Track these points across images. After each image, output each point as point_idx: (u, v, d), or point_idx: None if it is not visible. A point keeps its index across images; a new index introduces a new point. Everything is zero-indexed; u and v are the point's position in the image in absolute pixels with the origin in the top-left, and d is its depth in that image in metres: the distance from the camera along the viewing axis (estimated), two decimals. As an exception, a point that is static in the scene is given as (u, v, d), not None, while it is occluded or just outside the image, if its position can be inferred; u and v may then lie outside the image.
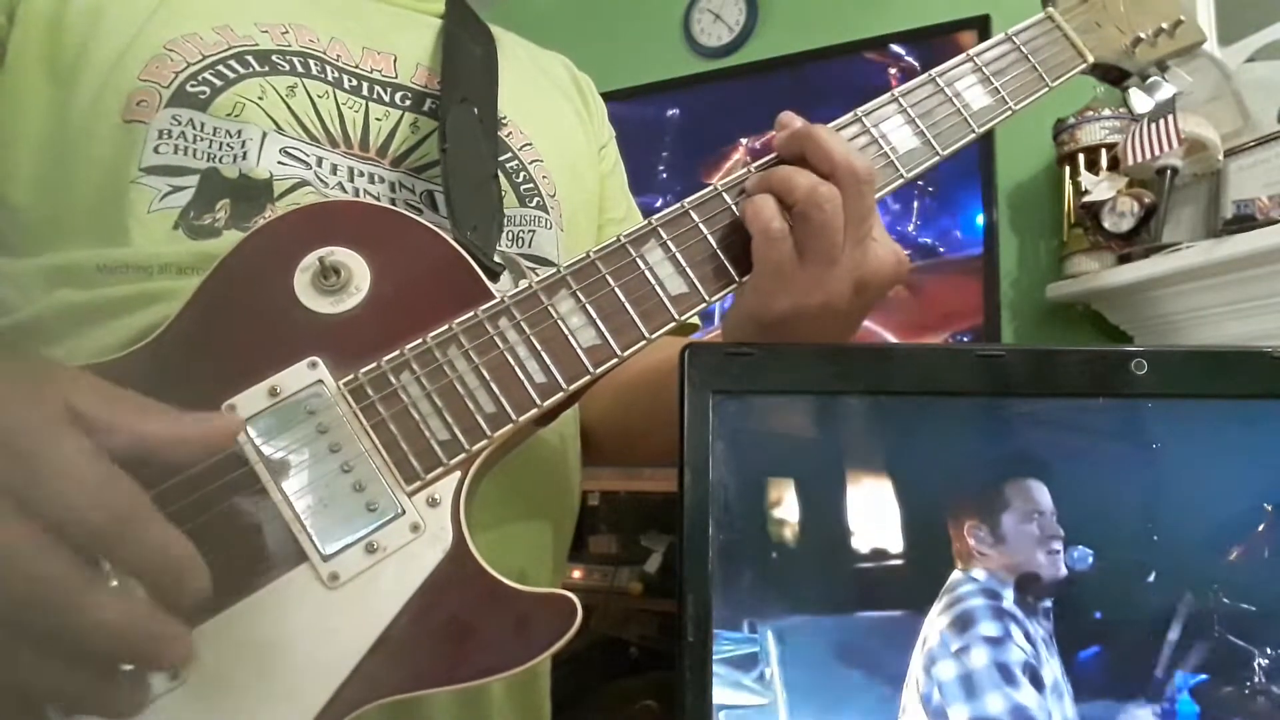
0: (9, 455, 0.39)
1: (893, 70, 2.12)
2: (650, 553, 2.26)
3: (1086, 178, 1.79)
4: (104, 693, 0.42)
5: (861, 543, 0.47)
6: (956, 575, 0.46)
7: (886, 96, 0.65)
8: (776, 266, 0.58)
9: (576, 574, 2.20)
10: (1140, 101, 0.73)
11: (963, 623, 0.46)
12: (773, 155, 0.62)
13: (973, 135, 0.66)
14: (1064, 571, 0.46)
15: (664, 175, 2.36)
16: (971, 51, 0.67)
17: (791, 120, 0.61)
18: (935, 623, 0.46)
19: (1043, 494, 0.47)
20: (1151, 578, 0.46)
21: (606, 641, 2.15)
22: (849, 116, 0.64)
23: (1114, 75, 0.73)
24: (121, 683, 0.43)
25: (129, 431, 0.43)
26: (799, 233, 0.58)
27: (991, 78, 0.67)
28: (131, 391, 0.46)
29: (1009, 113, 0.67)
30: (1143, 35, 0.72)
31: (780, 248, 0.57)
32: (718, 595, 0.45)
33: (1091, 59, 0.70)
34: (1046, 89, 0.68)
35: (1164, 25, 0.72)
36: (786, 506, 0.48)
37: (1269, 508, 0.46)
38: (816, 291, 0.58)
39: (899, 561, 0.47)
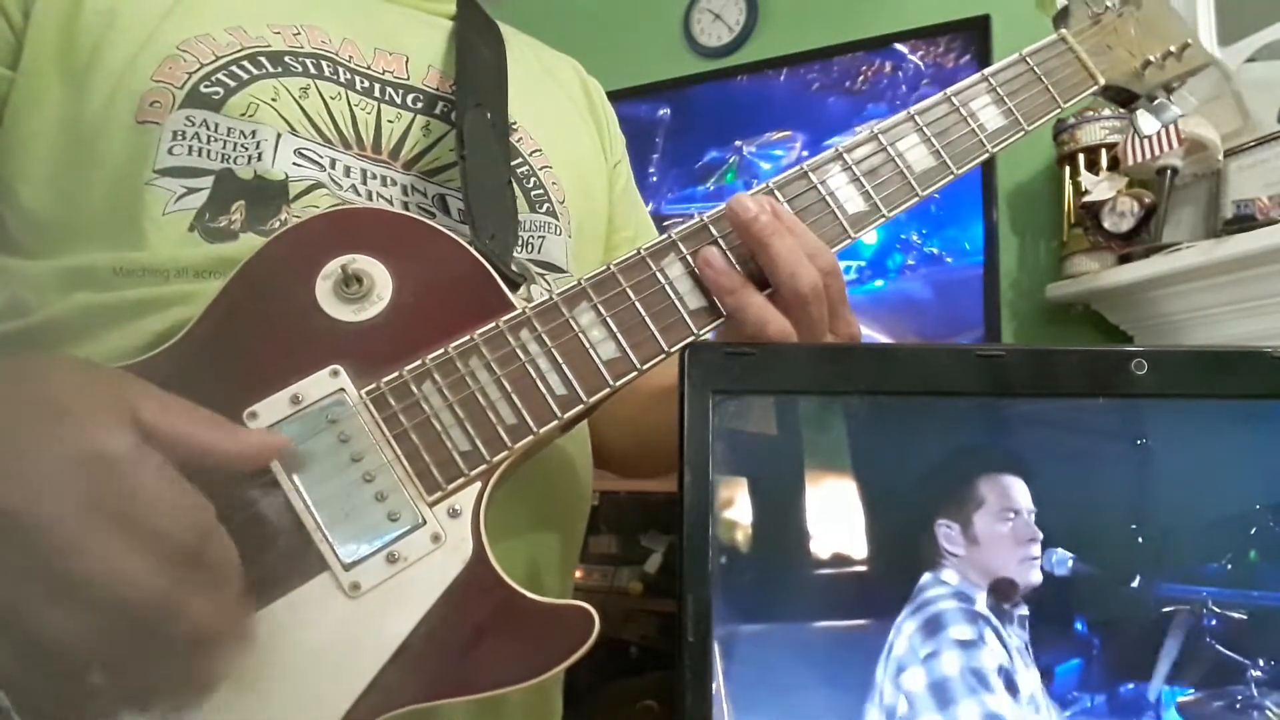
0: (99, 475, 0.43)
1: (891, 67, 2.12)
2: (650, 553, 2.26)
3: (1086, 178, 1.79)
4: (190, 678, 0.48)
5: (849, 546, 0.47)
6: (927, 578, 0.46)
7: (903, 114, 0.66)
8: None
9: (577, 574, 2.19)
10: (1147, 124, 0.74)
11: (933, 626, 0.45)
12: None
13: (986, 155, 0.67)
14: (1039, 579, 0.45)
15: (665, 175, 2.36)
16: (986, 71, 0.68)
17: (745, 218, 0.59)
18: (904, 628, 0.45)
19: (1019, 492, 0.46)
20: (1136, 582, 0.46)
21: (606, 641, 2.14)
22: (865, 134, 0.65)
23: (1123, 97, 0.74)
24: (202, 669, 0.48)
25: (189, 442, 0.47)
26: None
27: (1005, 98, 0.68)
28: (185, 400, 0.49)
29: (1022, 133, 0.68)
30: (1152, 58, 0.72)
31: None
32: (718, 595, 0.45)
33: (1103, 81, 0.71)
34: (1059, 110, 0.69)
35: (1172, 49, 0.73)
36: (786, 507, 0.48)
37: (1260, 508, 0.46)
38: None
39: (874, 565, 0.46)
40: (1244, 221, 1.49)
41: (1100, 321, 1.87)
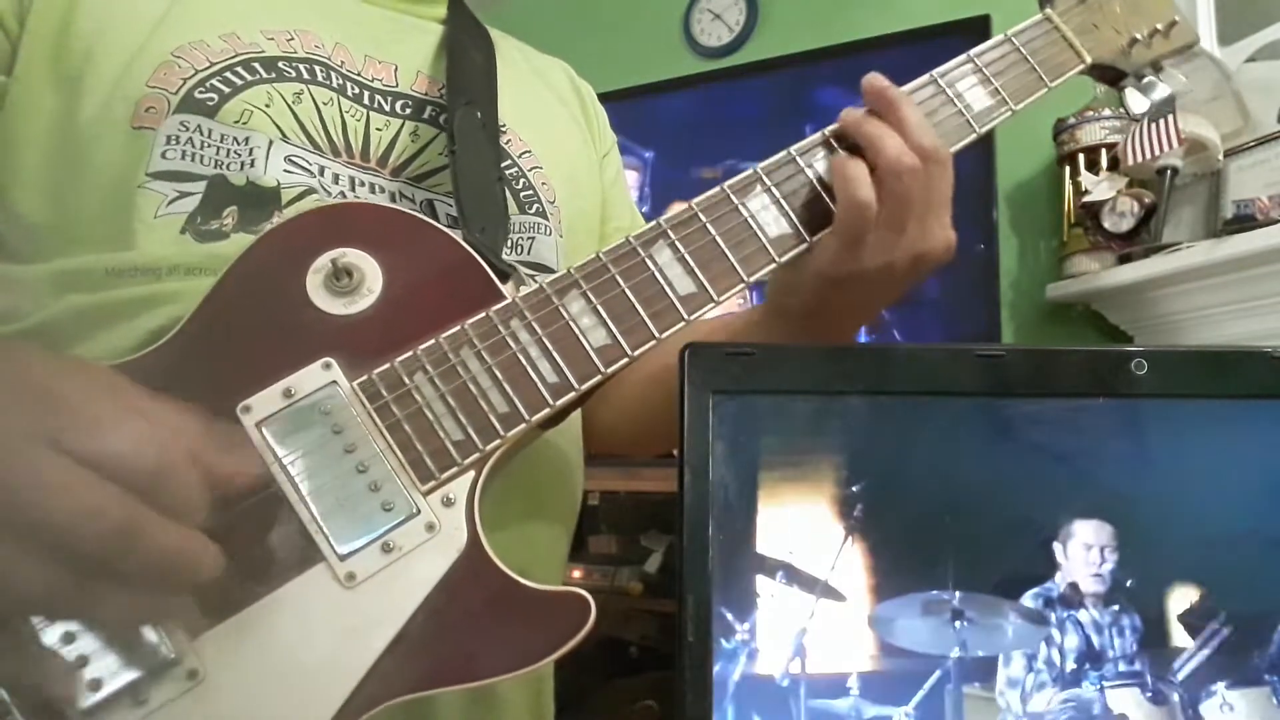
0: (47, 407, 0.42)
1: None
2: (650, 553, 2.26)
3: (1086, 178, 1.79)
4: (173, 608, 0.47)
5: (859, 545, 0.47)
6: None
7: None
8: (858, 230, 0.61)
9: (576, 574, 2.19)
10: (1136, 102, 0.74)
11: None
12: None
13: (974, 136, 0.67)
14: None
15: (663, 174, 2.36)
16: (972, 52, 0.68)
17: (881, 84, 0.63)
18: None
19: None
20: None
21: (606, 641, 2.15)
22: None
23: (1111, 76, 0.74)
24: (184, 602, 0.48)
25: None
26: (876, 202, 0.61)
27: (992, 78, 0.68)
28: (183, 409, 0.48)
29: (1009, 113, 0.68)
30: (1138, 36, 0.73)
31: (866, 214, 0.61)
32: (718, 595, 0.45)
33: (1089, 60, 0.71)
34: (1045, 89, 0.69)
35: (1159, 26, 0.73)
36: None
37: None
38: (879, 256, 0.62)
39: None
40: (1244, 221, 1.49)
41: (1100, 321, 1.87)
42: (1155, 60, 0.74)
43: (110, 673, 0.47)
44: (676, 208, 0.62)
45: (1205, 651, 0.45)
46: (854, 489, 0.47)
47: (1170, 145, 1.51)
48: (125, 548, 0.42)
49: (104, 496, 0.41)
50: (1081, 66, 0.71)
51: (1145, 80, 0.74)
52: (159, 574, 0.44)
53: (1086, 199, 1.77)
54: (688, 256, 0.60)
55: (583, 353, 0.58)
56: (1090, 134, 1.81)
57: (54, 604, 0.43)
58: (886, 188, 0.60)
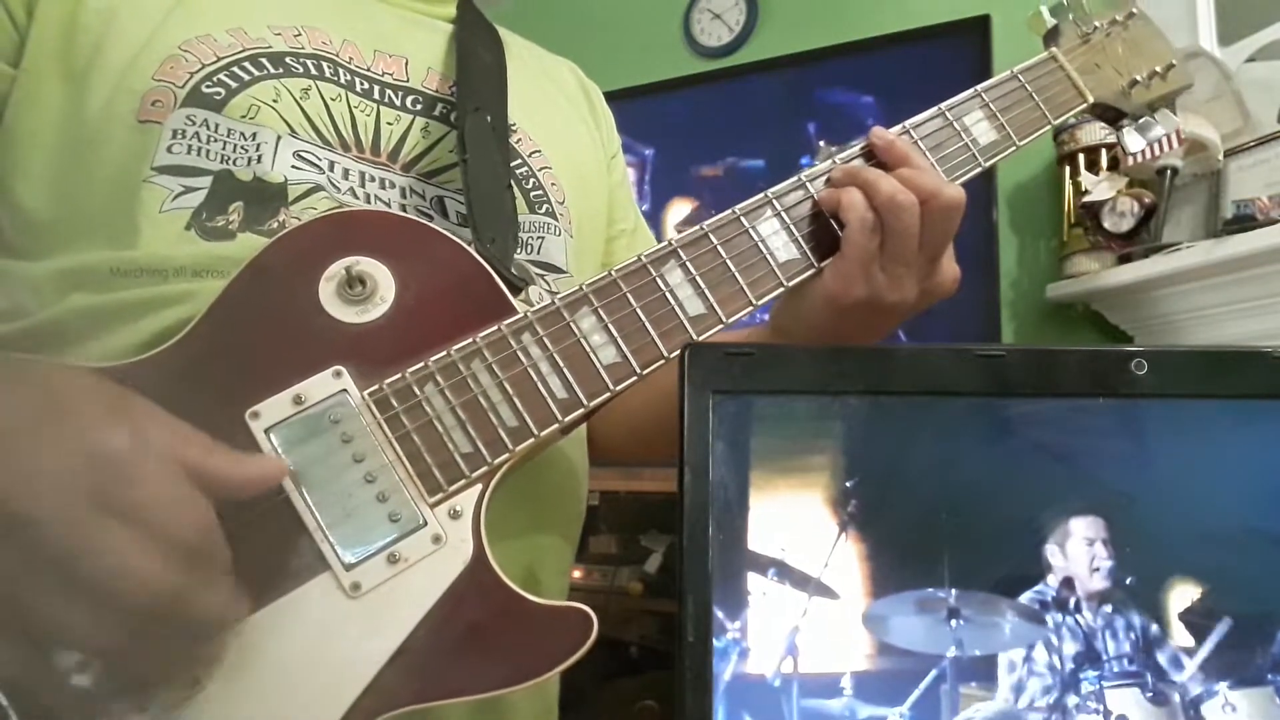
0: (103, 472, 0.44)
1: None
2: (650, 553, 2.25)
3: (1086, 178, 1.79)
4: (190, 669, 0.49)
5: (861, 544, 0.47)
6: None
7: (898, 128, 0.67)
8: (865, 254, 0.62)
9: (577, 574, 2.18)
10: (1133, 141, 0.77)
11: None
12: (856, 149, 0.66)
13: (979, 169, 0.68)
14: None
15: (664, 173, 2.36)
16: (980, 87, 0.70)
17: (889, 138, 0.65)
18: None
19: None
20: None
21: (606, 641, 2.14)
22: (860, 148, 0.66)
23: (1110, 115, 0.77)
24: (201, 660, 0.49)
25: (196, 467, 0.47)
26: (880, 231, 0.62)
27: (998, 113, 0.69)
28: (187, 425, 0.48)
29: (1014, 148, 0.69)
30: (1138, 78, 0.75)
31: (873, 238, 0.61)
32: (717, 595, 0.45)
33: (1091, 99, 0.73)
34: (1049, 126, 0.71)
35: (1158, 69, 0.75)
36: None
37: None
38: (893, 291, 0.63)
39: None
40: (1244, 221, 1.49)
41: (1100, 321, 1.87)
42: (1153, 101, 0.76)
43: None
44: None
45: (1207, 651, 0.45)
46: (849, 486, 0.47)
47: (1170, 145, 1.52)
48: (162, 618, 0.44)
49: (148, 564, 0.43)
50: (1083, 105, 0.73)
51: (1142, 121, 0.76)
52: (190, 636, 0.47)
53: (1086, 199, 1.77)
54: (698, 278, 0.61)
55: (593, 370, 0.58)
56: (1090, 134, 1.81)
57: (86, 651, 0.45)
58: (887, 225, 0.61)
